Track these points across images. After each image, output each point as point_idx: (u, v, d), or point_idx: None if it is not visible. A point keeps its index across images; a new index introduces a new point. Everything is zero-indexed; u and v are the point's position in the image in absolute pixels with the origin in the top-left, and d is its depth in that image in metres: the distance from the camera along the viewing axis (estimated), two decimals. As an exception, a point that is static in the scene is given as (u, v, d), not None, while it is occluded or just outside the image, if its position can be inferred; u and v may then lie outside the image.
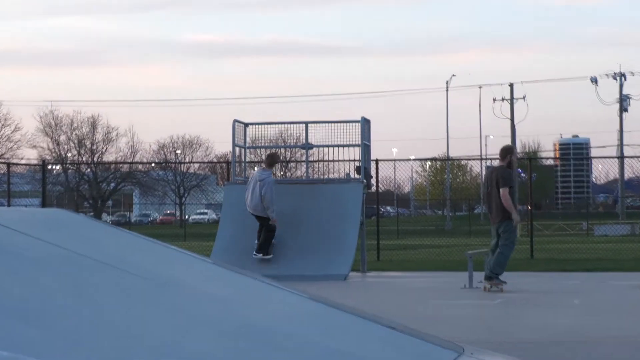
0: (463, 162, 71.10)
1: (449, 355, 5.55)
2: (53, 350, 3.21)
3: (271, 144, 26.19)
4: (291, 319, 5.55)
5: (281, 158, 13.22)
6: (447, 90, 66.71)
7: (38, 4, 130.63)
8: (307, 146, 19.37)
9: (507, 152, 14.67)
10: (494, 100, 58.76)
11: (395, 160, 31.09)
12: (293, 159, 28.99)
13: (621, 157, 47.08)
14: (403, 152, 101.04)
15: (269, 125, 20.78)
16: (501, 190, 13.51)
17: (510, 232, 14.11)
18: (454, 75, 69.66)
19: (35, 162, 49.83)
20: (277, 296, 5.91)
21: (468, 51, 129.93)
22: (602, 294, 14.66)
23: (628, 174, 55.08)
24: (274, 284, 6.24)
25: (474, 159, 63.29)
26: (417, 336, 5.81)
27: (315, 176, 24.49)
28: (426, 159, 74.89)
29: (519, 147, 61.67)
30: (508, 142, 58.87)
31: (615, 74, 56.32)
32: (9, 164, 26.00)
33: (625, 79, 56.28)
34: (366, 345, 5.35)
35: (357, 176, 19.07)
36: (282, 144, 22.33)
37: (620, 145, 56.77)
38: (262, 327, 4.92)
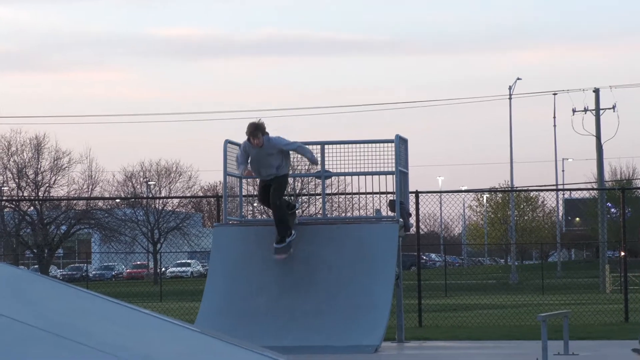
0: (533, 194, 62.47)
1: None
2: None
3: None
4: None
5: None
6: (510, 99, 56.35)
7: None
8: (325, 174, 17.02)
9: None
10: (574, 111, 49.07)
11: (441, 192, 27.39)
12: (305, 191, 27.49)
13: None
14: (451, 181, 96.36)
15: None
16: None
17: None
18: (519, 79, 59.35)
19: None
20: None
21: (537, 48, 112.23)
22: None
23: None
24: None
25: (548, 190, 59.73)
26: None
27: (335, 214, 23.90)
28: (483, 190, 62.76)
29: (607, 173, 53.42)
30: (594, 165, 50.02)
31: None
32: None
33: None
34: None
35: (390, 213, 16.99)
36: (291, 172, 19.96)
37: None
38: None
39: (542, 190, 62.99)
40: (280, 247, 14.33)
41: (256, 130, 14.00)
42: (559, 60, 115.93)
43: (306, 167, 21.11)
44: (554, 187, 51.91)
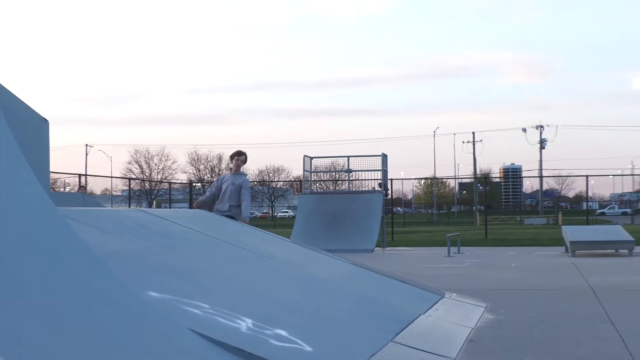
0: (444, 180, 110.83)
1: (436, 297, 7.82)
2: (193, 296, 4.33)
3: (326, 170, 34.46)
4: (338, 275, 7.63)
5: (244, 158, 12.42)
6: (434, 137, 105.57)
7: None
8: (349, 171, 26.41)
9: None
10: (462, 142, 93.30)
11: (402, 179, 46.79)
12: (339, 178, 37.76)
13: (540, 177, 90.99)
14: (408, 174, 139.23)
15: (325, 159, 28.91)
16: None
17: None
18: (438, 127, 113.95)
19: (185, 182, 63.05)
20: (330, 262, 8.10)
21: (448, 114, 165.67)
22: (529, 260, 17.62)
23: (545, 187, 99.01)
24: (328, 255, 8.43)
25: (450, 178, 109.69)
26: (417, 285, 8.16)
27: (353, 189, 27.52)
28: (421, 178, 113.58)
29: (478, 172, 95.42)
30: (470, 169, 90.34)
31: (537, 126, 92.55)
32: (170, 183, 41.49)
33: (543, 129, 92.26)
34: (384, 292, 7.42)
35: (379, 189, 25.33)
36: (333, 169, 33.13)
37: (540, 169, 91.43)
38: (321, 280, 6.82)
39: (447, 178, 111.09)
40: None
41: (243, 154, 12.55)
42: (458, 119, 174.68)
43: (341, 167, 27.71)
44: (454, 177, 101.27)
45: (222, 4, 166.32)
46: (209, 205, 12.35)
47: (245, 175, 12.67)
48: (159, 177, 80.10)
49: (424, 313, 6.99)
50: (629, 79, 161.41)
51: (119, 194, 54.42)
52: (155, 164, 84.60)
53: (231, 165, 12.63)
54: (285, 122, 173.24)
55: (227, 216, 11.28)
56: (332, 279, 7.42)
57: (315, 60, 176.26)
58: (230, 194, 12.16)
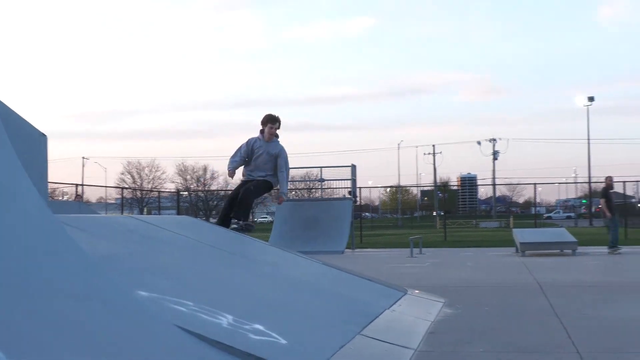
0: (407, 188, 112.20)
1: (399, 294, 7.80)
2: (179, 294, 4.32)
3: (301, 179, 35.41)
4: (311, 275, 7.53)
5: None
6: (398, 149, 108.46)
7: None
8: (321, 180, 27.09)
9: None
10: (424, 154, 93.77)
11: (370, 187, 49.32)
12: (313, 187, 38.88)
13: (494, 185, 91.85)
14: (375, 183, 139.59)
15: (300, 169, 29.32)
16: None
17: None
18: (402, 140, 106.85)
19: (173, 190, 62.94)
20: (304, 262, 8.09)
21: (410, 128, 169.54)
22: (484, 260, 17.72)
23: (497, 194, 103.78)
24: (302, 256, 8.38)
25: (412, 186, 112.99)
26: (382, 283, 8.18)
27: (326, 196, 27.49)
28: (387, 186, 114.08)
29: (438, 181, 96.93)
30: (431, 178, 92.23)
31: (490, 139, 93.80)
32: (159, 192, 41.26)
33: (496, 141, 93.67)
34: (353, 289, 7.37)
35: (349, 196, 25.20)
36: (307, 179, 33.21)
37: (493, 177, 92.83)
38: (296, 279, 6.80)
39: (411, 187, 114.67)
40: (234, 227, 9.96)
41: (278, 121, 10.49)
42: (419, 133, 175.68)
43: (315, 176, 30.12)
44: (416, 185, 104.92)
45: (209, 30, 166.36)
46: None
47: (281, 145, 10.59)
48: (150, 186, 80.00)
49: (388, 308, 6.98)
50: (572, 97, 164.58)
51: (113, 202, 54.22)
52: (146, 174, 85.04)
53: (262, 131, 10.51)
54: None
55: (263, 180, 10.26)
56: (306, 278, 7.42)
57: (292, 80, 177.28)
58: (265, 163, 10.38)
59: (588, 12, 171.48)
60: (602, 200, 20.42)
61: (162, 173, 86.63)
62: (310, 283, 7.17)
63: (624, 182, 35.99)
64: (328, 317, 5.74)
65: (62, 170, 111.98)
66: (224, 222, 10.10)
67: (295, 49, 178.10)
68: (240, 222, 10.13)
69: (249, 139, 10.50)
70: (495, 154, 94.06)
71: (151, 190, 69.17)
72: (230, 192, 11.72)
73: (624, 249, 21.25)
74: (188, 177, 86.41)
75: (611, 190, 20.84)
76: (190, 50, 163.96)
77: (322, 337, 4.96)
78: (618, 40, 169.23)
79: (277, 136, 10.54)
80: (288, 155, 10.64)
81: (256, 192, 10.41)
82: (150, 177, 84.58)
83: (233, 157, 10.49)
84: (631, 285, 10.91)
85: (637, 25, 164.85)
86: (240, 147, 10.46)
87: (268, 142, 10.42)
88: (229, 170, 10.34)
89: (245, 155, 10.42)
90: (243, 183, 10.49)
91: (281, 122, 10.53)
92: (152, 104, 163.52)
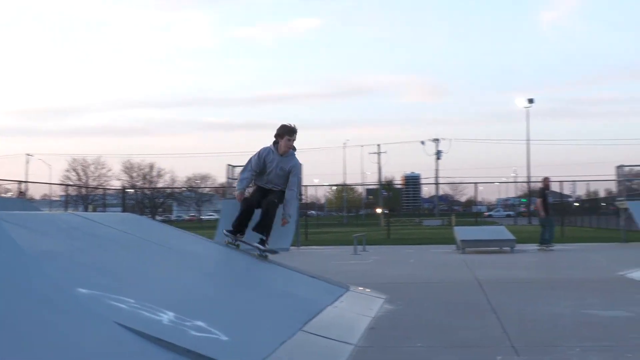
0: (352, 186, 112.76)
1: (342, 290, 8.07)
2: (120, 291, 4.30)
3: None
4: (255, 271, 7.75)
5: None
6: (344, 148, 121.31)
7: None
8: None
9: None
10: (369, 153, 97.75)
11: (316, 185, 49.70)
12: None
13: (437, 184, 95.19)
14: (322, 181, 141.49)
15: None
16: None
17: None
18: (348, 140, 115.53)
19: (119, 188, 62.40)
20: (247, 259, 8.29)
21: (356, 128, 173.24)
22: (426, 257, 17.93)
23: (440, 193, 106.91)
24: (247, 253, 8.61)
25: (358, 185, 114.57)
26: (325, 280, 8.44)
27: None
28: (333, 185, 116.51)
29: (382, 180, 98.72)
30: (376, 177, 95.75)
31: (434, 139, 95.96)
32: (105, 189, 40.55)
33: (439, 142, 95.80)
34: (296, 286, 7.54)
35: None
36: None
37: (436, 177, 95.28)
38: (239, 276, 7.21)
39: (358, 185, 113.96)
40: (261, 253, 9.22)
41: (295, 132, 9.30)
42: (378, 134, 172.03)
43: None
44: (362, 184, 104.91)
45: (157, 27, 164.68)
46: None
47: (296, 159, 9.46)
48: (95, 183, 78.95)
49: (330, 304, 7.03)
50: (511, 99, 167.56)
51: (58, 199, 53.32)
52: (92, 172, 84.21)
53: (275, 142, 9.37)
54: (210, 134, 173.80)
55: (282, 191, 9.30)
56: (250, 275, 7.48)
57: (238, 79, 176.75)
58: (278, 178, 9.33)
59: (530, 17, 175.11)
60: (538, 200, 21.06)
61: (108, 170, 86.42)
62: (254, 280, 7.21)
63: (561, 182, 36.68)
64: (270, 314, 5.79)
65: (5, 167, 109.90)
66: (241, 229, 9.52)
67: (242, 48, 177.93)
68: (266, 242, 9.37)
69: (261, 150, 9.44)
70: (438, 154, 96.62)
71: (96, 188, 68.36)
72: (232, 193, 10.86)
73: (561, 246, 21.80)
74: (134, 174, 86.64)
75: (548, 191, 21.38)
76: (137, 48, 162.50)
77: (264, 333, 5.00)
78: (558, 45, 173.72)
79: (294, 149, 9.45)
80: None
81: (278, 205, 9.42)
82: (96, 175, 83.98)
83: (242, 172, 9.56)
84: (563, 282, 11.18)
85: (576, 31, 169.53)
86: (250, 159, 9.45)
87: (282, 155, 9.31)
88: (239, 192, 9.40)
89: (257, 168, 9.35)
90: (261, 190, 9.47)
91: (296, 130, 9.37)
92: (98, 102, 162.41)
